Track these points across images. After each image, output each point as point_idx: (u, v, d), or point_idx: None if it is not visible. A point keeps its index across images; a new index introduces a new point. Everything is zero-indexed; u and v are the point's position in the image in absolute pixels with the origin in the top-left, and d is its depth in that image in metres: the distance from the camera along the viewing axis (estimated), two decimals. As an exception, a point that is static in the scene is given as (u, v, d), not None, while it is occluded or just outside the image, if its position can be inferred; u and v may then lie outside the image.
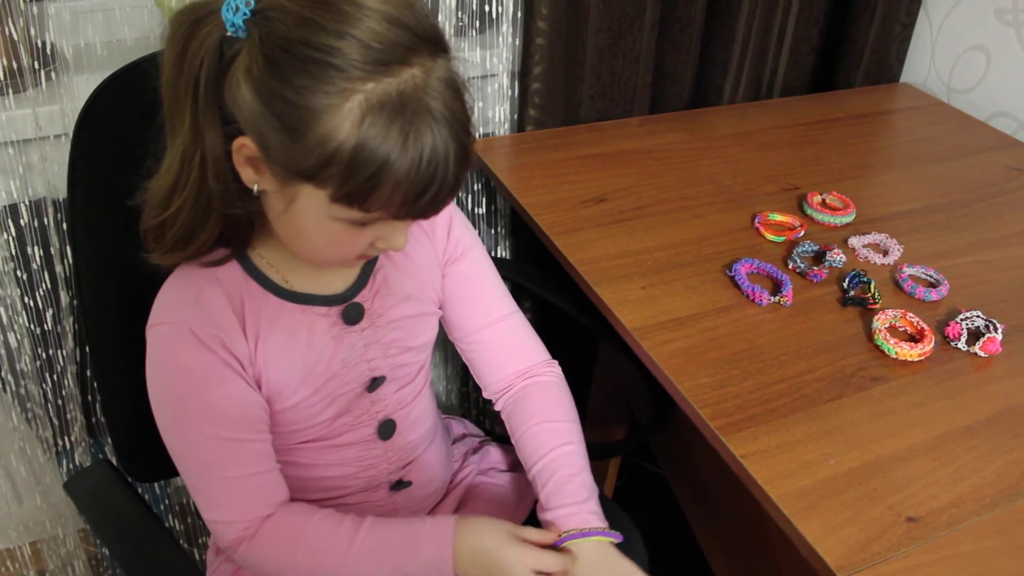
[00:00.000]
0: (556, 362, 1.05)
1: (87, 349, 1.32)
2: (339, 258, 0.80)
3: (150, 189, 0.77)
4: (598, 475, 1.48)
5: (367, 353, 0.91)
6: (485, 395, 1.04)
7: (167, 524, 1.57)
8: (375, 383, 0.92)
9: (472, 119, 0.73)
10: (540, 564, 0.85)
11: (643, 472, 1.78)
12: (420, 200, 0.70)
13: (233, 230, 0.79)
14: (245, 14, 0.68)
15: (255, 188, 0.74)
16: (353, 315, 0.89)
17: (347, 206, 0.70)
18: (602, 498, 1.20)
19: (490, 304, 1.01)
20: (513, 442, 1.01)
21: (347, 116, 0.66)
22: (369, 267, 0.90)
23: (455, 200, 0.99)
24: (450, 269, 0.98)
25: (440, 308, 0.99)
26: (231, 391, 0.83)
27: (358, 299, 0.89)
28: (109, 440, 1.44)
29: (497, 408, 1.04)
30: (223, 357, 0.81)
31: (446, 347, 1.68)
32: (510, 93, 1.42)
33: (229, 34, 0.68)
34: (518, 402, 1.01)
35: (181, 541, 1.60)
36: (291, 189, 0.72)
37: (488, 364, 1.02)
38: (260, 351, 0.84)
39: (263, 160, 0.71)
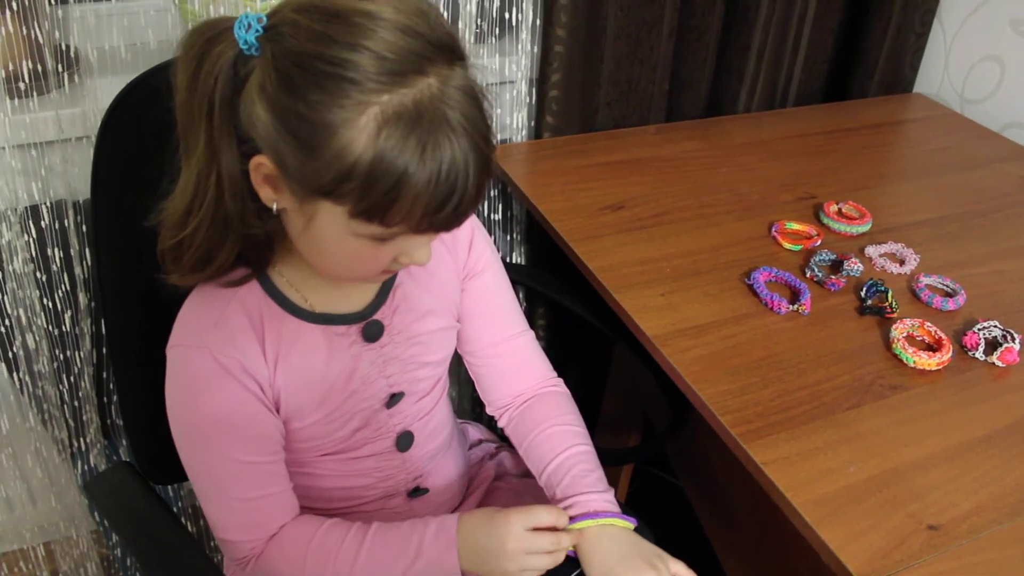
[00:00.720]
0: (561, 380, 1.05)
1: (104, 351, 1.33)
2: (362, 274, 0.79)
3: (166, 210, 0.76)
4: (610, 481, 1.49)
5: (386, 369, 0.90)
6: (489, 411, 1.05)
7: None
8: (394, 399, 0.92)
9: (492, 127, 0.72)
10: (532, 520, 0.85)
11: (655, 480, 1.78)
12: (441, 212, 0.69)
13: (252, 249, 0.79)
14: (258, 31, 0.67)
15: (274, 207, 0.74)
16: (373, 332, 0.88)
17: (367, 221, 0.69)
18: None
19: (504, 322, 1.01)
20: (521, 452, 1.01)
21: (363, 130, 0.65)
22: (389, 283, 0.90)
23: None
24: (468, 284, 0.98)
25: (458, 322, 0.99)
26: (248, 415, 0.83)
27: (377, 316, 0.89)
28: (124, 442, 1.45)
29: (501, 424, 1.04)
30: (242, 381, 0.82)
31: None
32: (528, 100, 1.43)
33: (243, 52, 0.68)
34: (524, 413, 1.01)
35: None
36: (310, 206, 0.71)
37: (495, 381, 1.03)
38: (280, 372, 0.84)
39: (281, 178, 0.70)
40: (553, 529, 0.87)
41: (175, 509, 1.55)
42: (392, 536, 0.86)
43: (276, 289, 0.84)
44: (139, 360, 0.98)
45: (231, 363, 0.81)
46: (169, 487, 1.53)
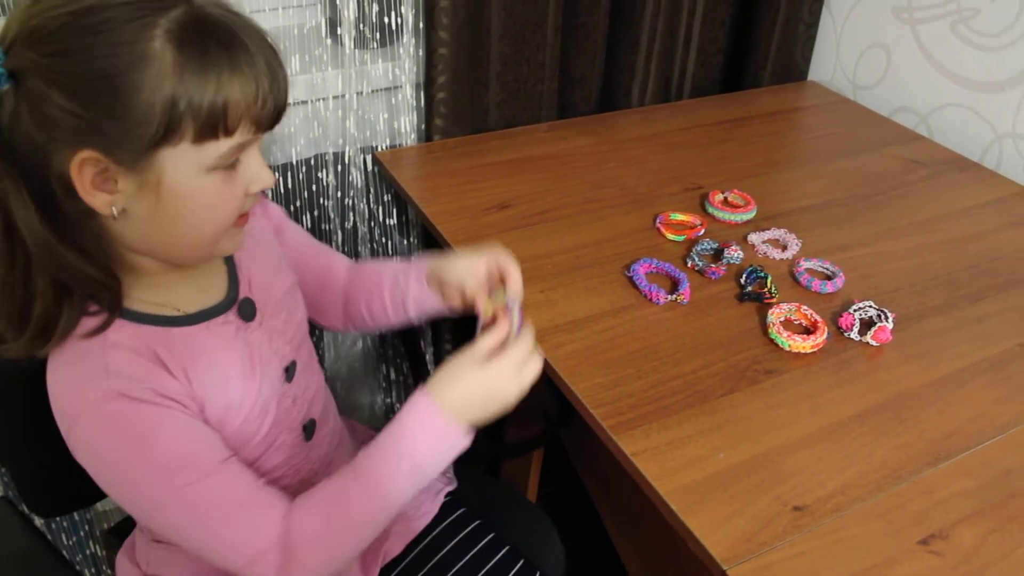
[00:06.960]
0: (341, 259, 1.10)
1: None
2: (223, 221, 0.76)
3: None
4: (520, 475, 1.48)
5: (273, 345, 0.89)
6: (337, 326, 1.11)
7: (89, 551, 1.54)
8: (289, 371, 0.91)
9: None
10: (515, 359, 0.84)
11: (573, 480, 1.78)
12: (270, 89, 0.71)
13: (93, 289, 0.75)
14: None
15: (114, 211, 0.71)
16: (248, 310, 0.87)
17: (212, 137, 0.69)
18: (522, 501, 1.19)
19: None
20: (368, 316, 1.06)
21: (161, 55, 0.65)
22: (231, 266, 0.89)
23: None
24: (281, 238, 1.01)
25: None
26: (186, 430, 0.78)
27: (242, 294, 0.88)
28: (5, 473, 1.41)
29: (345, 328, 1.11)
30: (163, 403, 0.76)
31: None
32: (415, 104, 1.42)
33: None
34: (347, 298, 1.07)
35: (105, 568, 1.57)
36: (153, 171, 0.69)
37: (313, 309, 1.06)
38: (195, 382, 0.79)
39: (109, 161, 0.68)
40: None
41: (81, 534, 1.52)
42: (377, 450, 0.82)
43: (144, 315, 0.80)
44: (16, 396, 0.92)
45: (144, 393, 0.75)
46: (75, 513, 1.49)
